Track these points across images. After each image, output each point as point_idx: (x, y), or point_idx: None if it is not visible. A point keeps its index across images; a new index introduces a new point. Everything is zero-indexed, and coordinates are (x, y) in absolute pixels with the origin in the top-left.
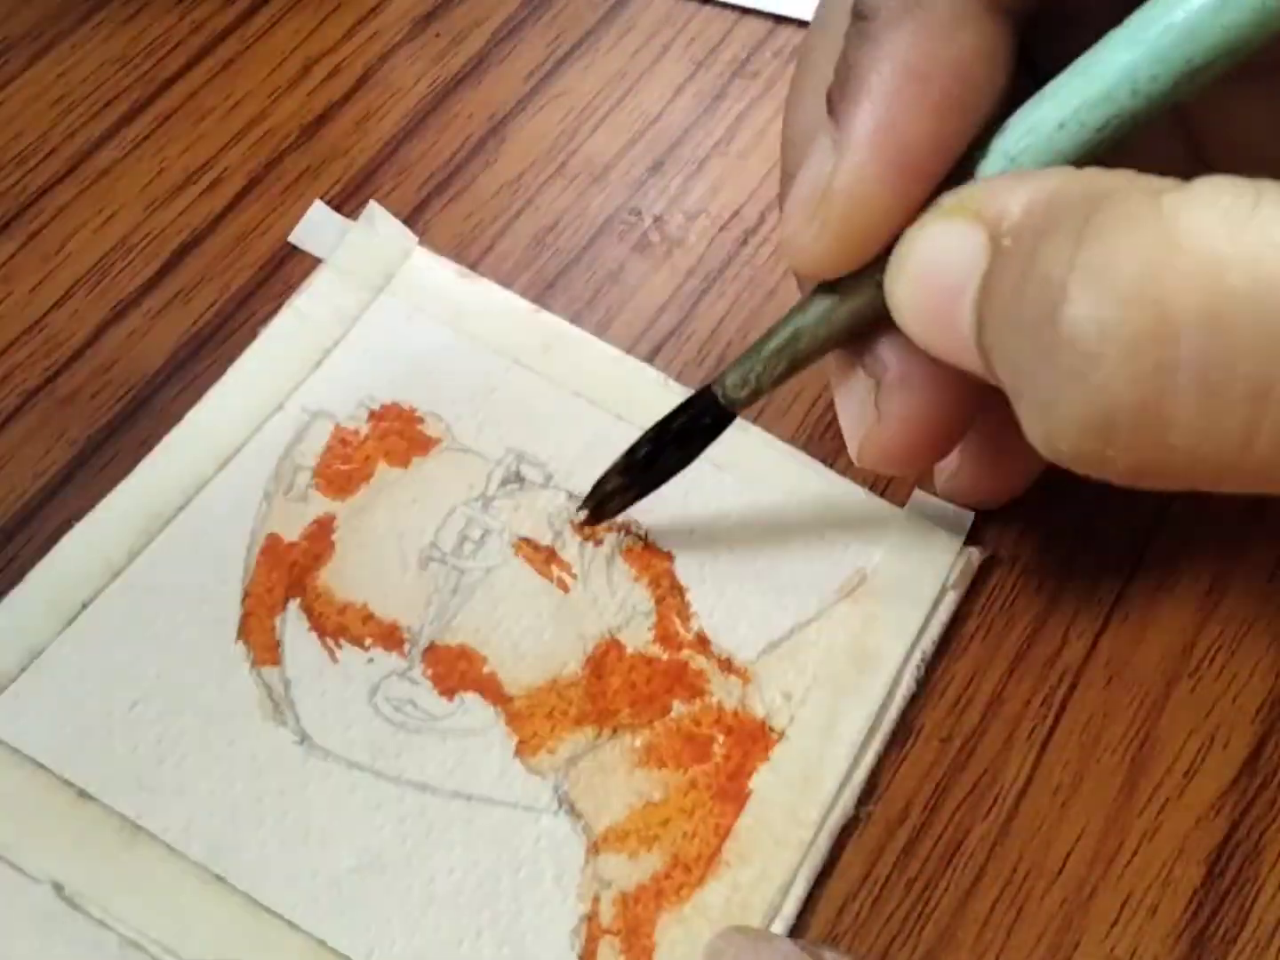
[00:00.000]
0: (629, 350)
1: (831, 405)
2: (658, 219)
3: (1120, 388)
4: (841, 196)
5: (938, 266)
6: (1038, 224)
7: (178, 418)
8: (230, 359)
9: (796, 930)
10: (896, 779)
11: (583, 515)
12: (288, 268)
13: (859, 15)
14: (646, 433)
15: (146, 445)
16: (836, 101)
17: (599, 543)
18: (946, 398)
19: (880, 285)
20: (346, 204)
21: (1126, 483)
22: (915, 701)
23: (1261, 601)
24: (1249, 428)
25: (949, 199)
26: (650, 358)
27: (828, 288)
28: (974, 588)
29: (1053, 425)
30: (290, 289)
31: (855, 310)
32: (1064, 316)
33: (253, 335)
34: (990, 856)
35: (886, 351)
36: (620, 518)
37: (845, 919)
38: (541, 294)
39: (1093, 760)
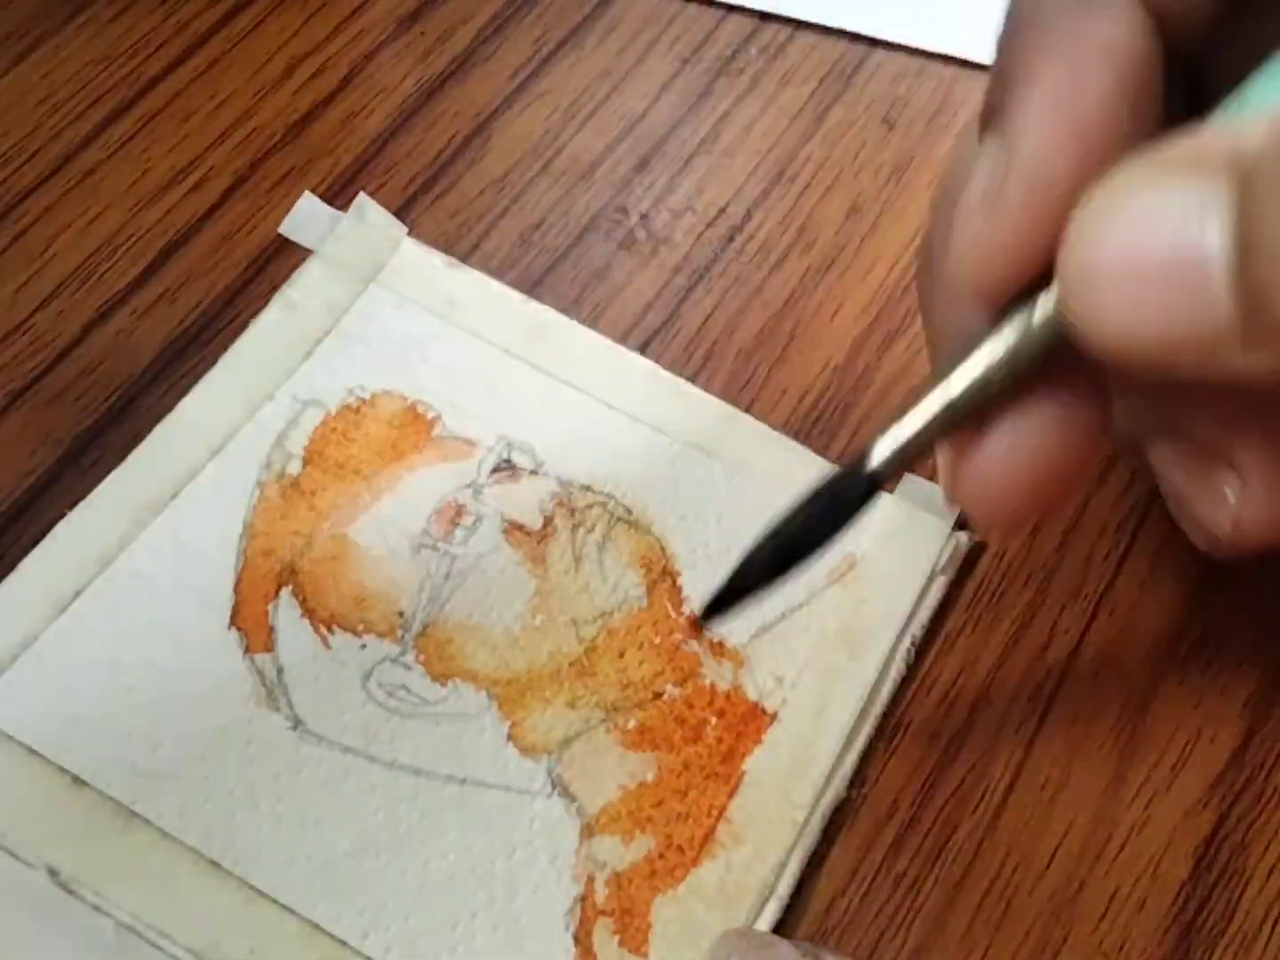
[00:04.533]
0: None
1: (822, 396)
2: (644, 217)
3: None
4: (1021, 174)
5: (1155, 231)
6: None
7: (165, 417)
8: (217, 358)
9: (787, 919)
10: (884, 774)
11: (708, 619)
12: (273, 267)
13: (1015, 29)
14: (791, 512)
15: (133, 445)
16: (996, 109)
17: (591, 529)
18: (1046, 460)
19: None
20: (333, 202)
21: None
22: (903, 696)
23: (1248, 595)
24: None
25: (1131, 173)
26: (637, 353)
27: (969, 344)
28: (961, 582)
29: None
30: (276, 288)
31: (1016, 356)
32: None
33: (239, 333)
34: (978, 851)
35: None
36: (610, 503)
37: (834, 915)
38: (528, 292)
39: (1080, 754)
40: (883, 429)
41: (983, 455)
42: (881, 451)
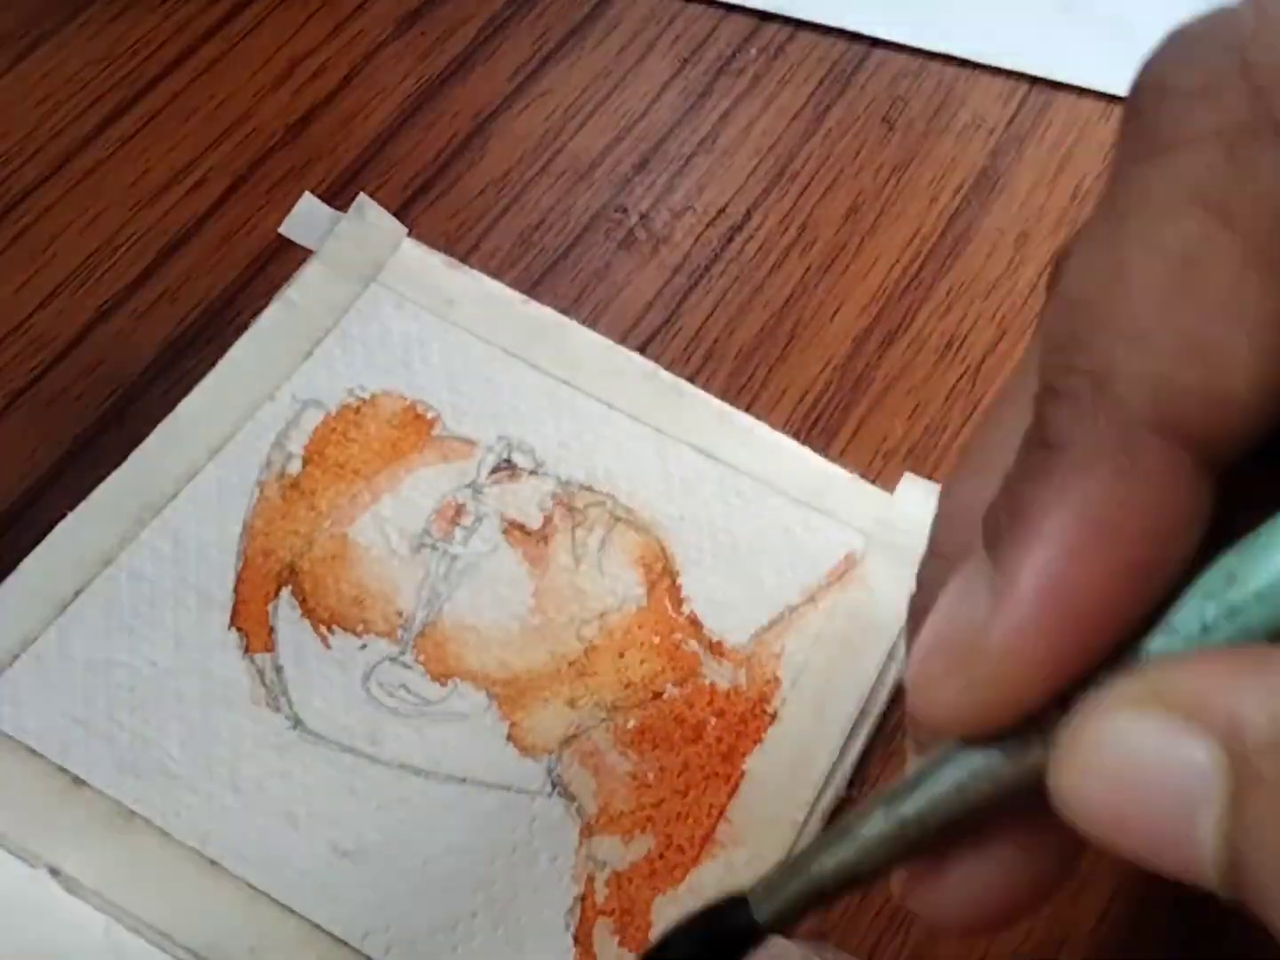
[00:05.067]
0: None
1: (822, 395)
2: (644, 216)
3: None
4: (998, 653)
5: (1145, 776)
6: None
7: (165, 417)
8: (216, 358)
9: None
10: (884, 774)
11: None
12: (273, 267)
13: (1043, 442)
14: (667, 932)
15: (133, 445)
16: (999, 537)
17: (590, 528)
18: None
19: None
20: (332, 202)
21: None
22: (903, 696)
23: None
24: None
25: (1133, 687)
26: (637, 354)
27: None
28: None
29: None
30: (276, 288)
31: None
32: None
33: (239, 333)
34: None
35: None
36: (610, 503)
37: (834, 914)
38: (528, 291)
39: None
40: (779, 873)
41: (932, 886)
42: (767, 909)
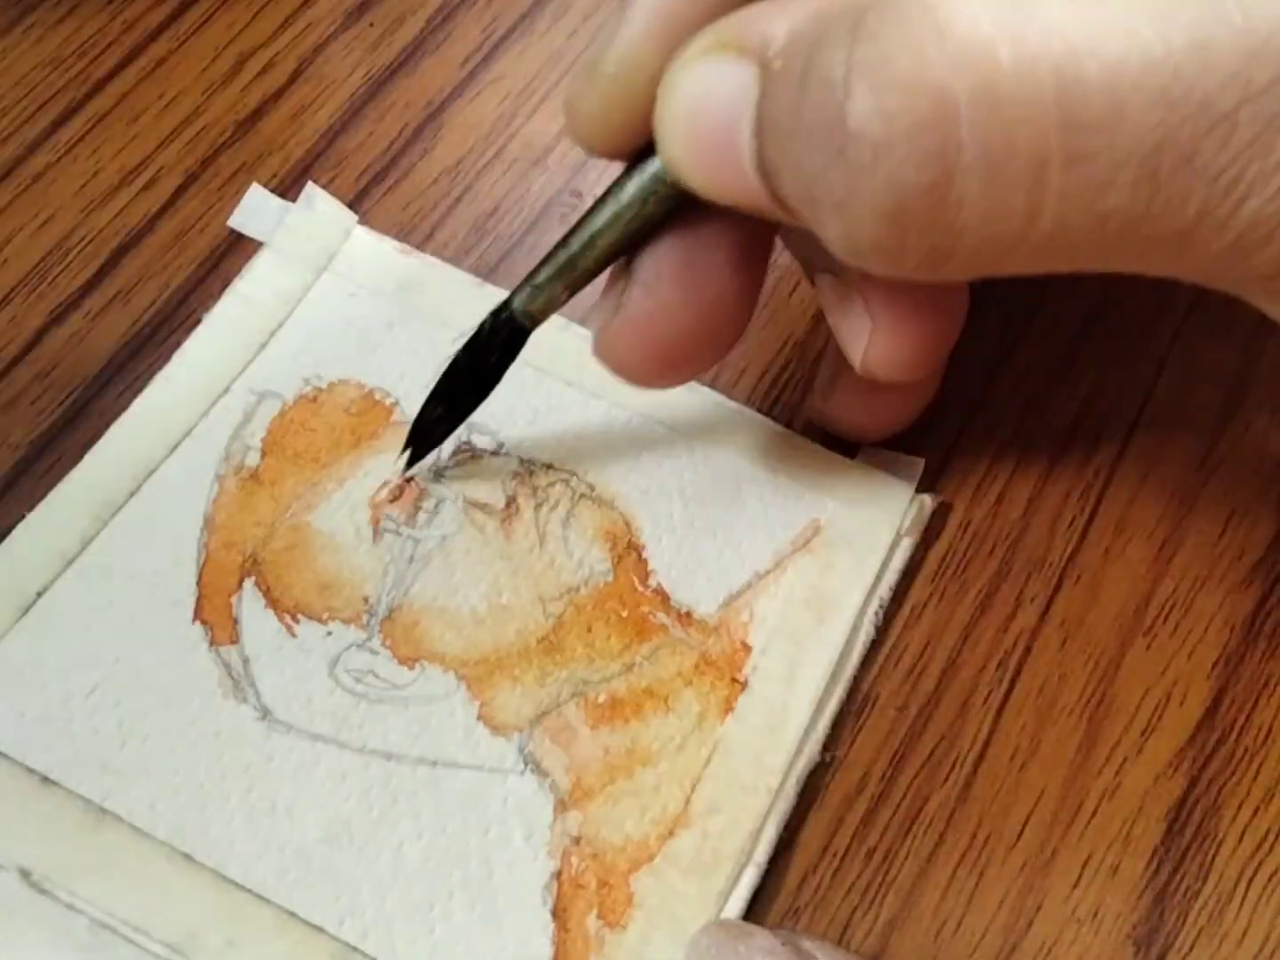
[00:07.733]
0: None
1: (782, 372)
2: None
3: (910, 173)
4: (614, 59)
5: (707, 104)
6: (807, 41)
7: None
8: (172, 357)
9: (758, 898)
10: (853, 749)
11: (403, 464)
12: (227, 264)
13: None
14: (452, 361)
15: (91, 448)
16: None
17: (554, 506)
18: (686, 306)
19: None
20: (285, 197)
21: (924, 275)
22: (870, 669)
23: (1214, 557)
24: (1031, 200)
25: (703, 39)
26: None
27: (613, 190)
28: (925, 554)
29: (850, 223)
30: (230, 285)
31: (640, 208)
32: (849, 112)
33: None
34: (949, 823)
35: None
36: (573, 480)
37: (805, 892)
38: (484, 279)
39: (1049, 723)
40: (526, 278)
41: (625, 309)
42: (519, 298)
